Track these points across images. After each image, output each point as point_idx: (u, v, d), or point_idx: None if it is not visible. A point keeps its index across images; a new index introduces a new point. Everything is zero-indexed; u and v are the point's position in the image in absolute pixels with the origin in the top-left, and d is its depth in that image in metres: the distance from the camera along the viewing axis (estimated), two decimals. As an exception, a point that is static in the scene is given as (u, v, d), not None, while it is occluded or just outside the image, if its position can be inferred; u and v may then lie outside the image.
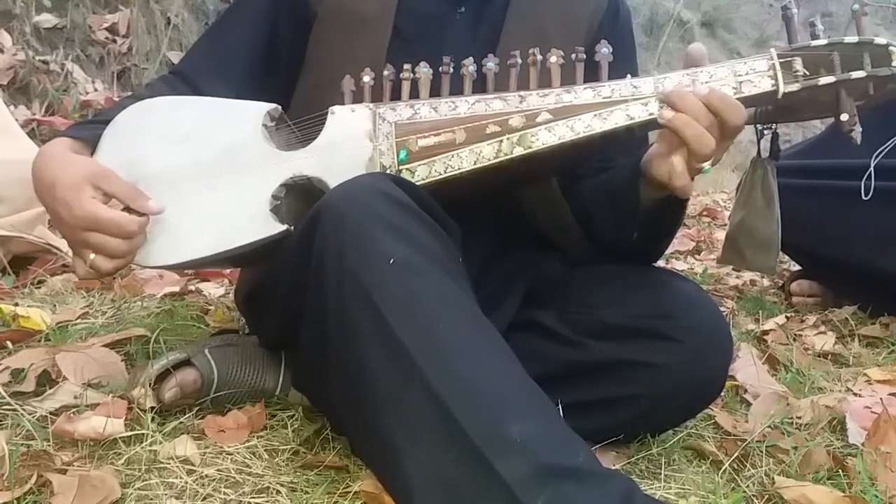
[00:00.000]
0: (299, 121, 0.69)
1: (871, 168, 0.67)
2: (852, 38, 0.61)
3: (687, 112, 0.60)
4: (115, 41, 2.10)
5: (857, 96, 0.61)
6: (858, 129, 0.61)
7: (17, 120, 1.37)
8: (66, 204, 0.63)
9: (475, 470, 0.49)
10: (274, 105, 0.69)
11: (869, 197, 0.68)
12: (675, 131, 0.60)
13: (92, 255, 0.64)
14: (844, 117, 0.60)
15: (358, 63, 0.69)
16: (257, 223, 0.65)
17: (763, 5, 5.88)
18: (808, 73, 0.61)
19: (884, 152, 0.67)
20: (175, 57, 2.21)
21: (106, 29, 2.10)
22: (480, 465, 0.49)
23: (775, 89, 0.61)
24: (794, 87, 0.61)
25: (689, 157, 0.61)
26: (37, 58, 1.86)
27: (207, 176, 0.67)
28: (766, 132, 0.69)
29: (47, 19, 1.98)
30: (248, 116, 0.68)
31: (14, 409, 0.69)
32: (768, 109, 0.68)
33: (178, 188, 0.67)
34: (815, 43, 0.62)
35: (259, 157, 0.67)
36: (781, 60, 0.61)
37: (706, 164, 0.61)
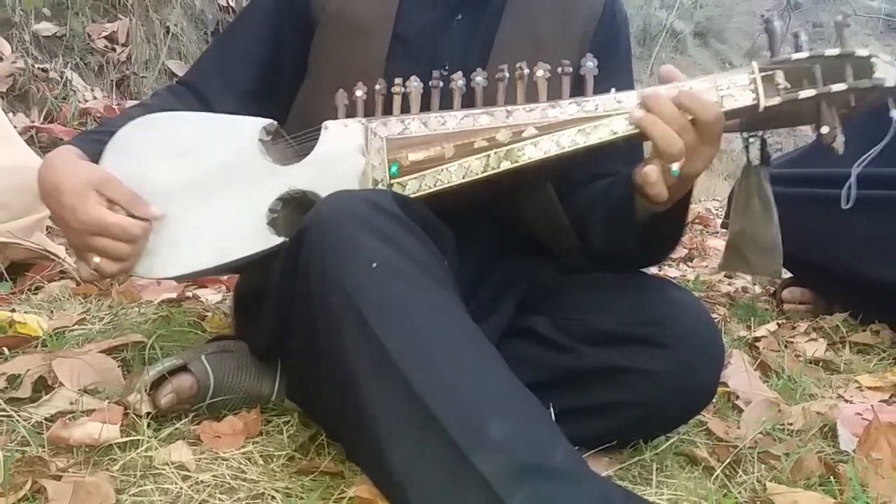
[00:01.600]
0: (296, 135, 0.71)
1: (853, 177, 0.67)
2: (833, 51, 0.62)
3: (656, 113, 0.61)
4: (114, 50, 2.11)
5: (839, 107, 0.62)
6: (841, 139, 0.61)
7: (15, 127, 1.37)
8: (72, 209, 0.65)
9: (454, 467, 0.49)
10: (269, 120, 0.70)
11: (849, 206, 0.69)
12: (643, 130, 0.62)
13: (97, 259, 0.66)
14: (825, 130, 0.61)
15: (358, 70, 0.71)
16: (255, 236, 0.66)
17: (755, 16, 5.94)
18: (789, 85, 0.61)
19: (864, 163, 0.68)
20: (174, 66, 2.22)
21: (105, 37, 2.11)
22: (460, 462, 0.49)
23: (756, 103, 0.62)
24: (776, 100, 0.61)
25: (659, 159, 0.61)
26: (36, 66, 1.87)
27: (206, 190, 0.68)
28: (752, 140, 0.69)
29: (46, 27, 1.99)
30: (245, 131, 0.70)
31: (9, 415, 0.69)
32: (752, 119, 0.68)
33: (178, 202, 0.69)
34: (795, 56, 0.62)
35: (256, 171, 0.68)
36: (763, 74, 0.62)
37: (674, 166, 0.61)
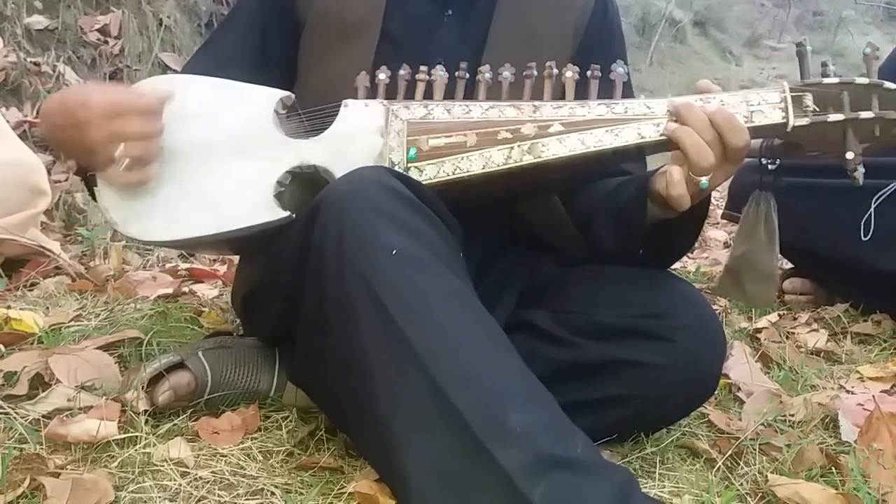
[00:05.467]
0: (310, 111, 0.70)
1: (872, 209, 0.68)
2: (863, 80, 0.62)
3: (691, 124, 0.61)
4: (106, 42, 2.08)
5: (863, 137, 0.62)
6: (861, 170, 0.62)
7: (8, 122, 1.36)
8: (80, 104, 0.63)
9: (474, 458, 0.49)
10: (287, 93, 0.69)
11: (868, 238, 0.69)
12: (676, 141, 0.61)
13: (121, 146, 0.63)
14: (850, 155, 0.61)
15: (347, 68, 0.70)
16: (260, 208, 0.65)
17: (755, 4, 5.90)
18: (817, 108, 0.62)
19: (883, 197, 0.68)
20: (167, 58, 2.20)
21: (97, 30, 2.09)
22: (479, 453, 0.49)
23: (785, 122, 0.62)
24: (804, 121, 0.62)
25: (688, 169, 0.61)
26: (28, 59, 1.85)
27: (214, 156, 0.67)
28: (770, 167, 0.70)
29: (38, 21, 1.97)
30: (260, 101, 0.68)
31: (6, 413, 0.69)
32: (773, 144, 0.69)
33: (185, 165, 0.67)
34: (826, 80, 0.63)
35: (268, 142, 0.67)
36: (793, 94, 0.62)
37: (703, 179, 0.61)
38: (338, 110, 0.67)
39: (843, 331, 1.20)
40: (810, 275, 1.38)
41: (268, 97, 0.68)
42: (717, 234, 2.10)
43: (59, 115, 0.65)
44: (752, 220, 0.72)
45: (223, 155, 0.67)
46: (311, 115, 0.69)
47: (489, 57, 0.70)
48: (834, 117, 0.61)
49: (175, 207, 0.66)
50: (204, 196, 0.66)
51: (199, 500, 0.60)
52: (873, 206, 0.68)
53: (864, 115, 0.61)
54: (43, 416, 0.69)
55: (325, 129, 0.67)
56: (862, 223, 0.69)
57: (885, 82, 0.62)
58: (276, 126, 0.68)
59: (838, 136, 0.62)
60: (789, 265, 1.44)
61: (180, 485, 0.61)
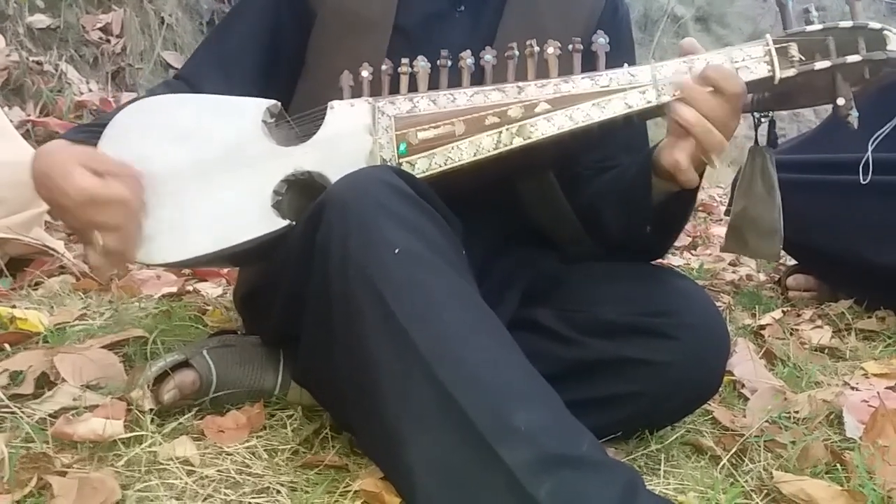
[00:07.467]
0: (298, 116, 0.70)
1: (869, 152, 0.67)
2: (847, 23, 0.61)
3: (697, 107, 0.60)
4: (108, 41, 2.09)
5: (853, 81, 0.61)
6: (855, 113, 0.61)
7: (11, 121, 1.36)
8: (61, 189, 0.63)
9: (479, 457, 0.49)
10: (273, 101, 0.69)
11: (867, 181, 0.69)
12: (688, 128, 0.61)
13: (99, 237, 0.64)
14: (841, 101, 0.60)
15: (359, 63, 0.70)
16: (259, 219, 0.65)
17: (757, 0, 5.89)
18: (803, 58, 0.61)
19: (879, 138, 0.68)
20: (169, 57, 2.20)
21: (99, 29, 2.09)
22: (485, 452, 0.49)
23: (772, 75, 0.61)
24: (791, 72, 0.61)
25: (696, 151, 0.61)
26: (30, 58, 1.85)
27: (208, 173, 0.67)
28: (763, 120, 0.69)
29: (40, 20, 1.97)
30: (247, 113, 0.68)
31: (13, 412, 0.69)
32: (765, 97, 0.68)
33: (180, 187, 0.67)
34: (809, 28, 0.62)
35: (259, 153, 0.67)
36: (777, 46, 0.62)
37: (716, 161, 0.61)
38: (325, 113, 0.67)
39: (848, 327, 1.20)
40: (813, 271, 1.37)
41: (255, 108, 0.68)
42: (719, 230, 2.09)
43: (43, 186, 0.65)
44: (749, 174, 0.71)
45: (218, 171, 0.67)
46: (299, 120, 0.69)
47: (497, 50, 0.70)
48: (820, 65, 0.60)
49: (176, 229, 0.66)
50: (203, 214, 0.66)
51: (205, 499, 0.60)
52: (870, 148, 0.67)
53: (851, 58, 0.60)
54: (49, 416, 0.69)
55: (314, 133, 0.67)
56: (860, 166, 0.68)
57: (870, 22, 0.61)
58: (266, 135, 0.68)
59: (828, 83, 0.61)
60: (792, 261, 1.44)
61: (186, 483, 0.61)
